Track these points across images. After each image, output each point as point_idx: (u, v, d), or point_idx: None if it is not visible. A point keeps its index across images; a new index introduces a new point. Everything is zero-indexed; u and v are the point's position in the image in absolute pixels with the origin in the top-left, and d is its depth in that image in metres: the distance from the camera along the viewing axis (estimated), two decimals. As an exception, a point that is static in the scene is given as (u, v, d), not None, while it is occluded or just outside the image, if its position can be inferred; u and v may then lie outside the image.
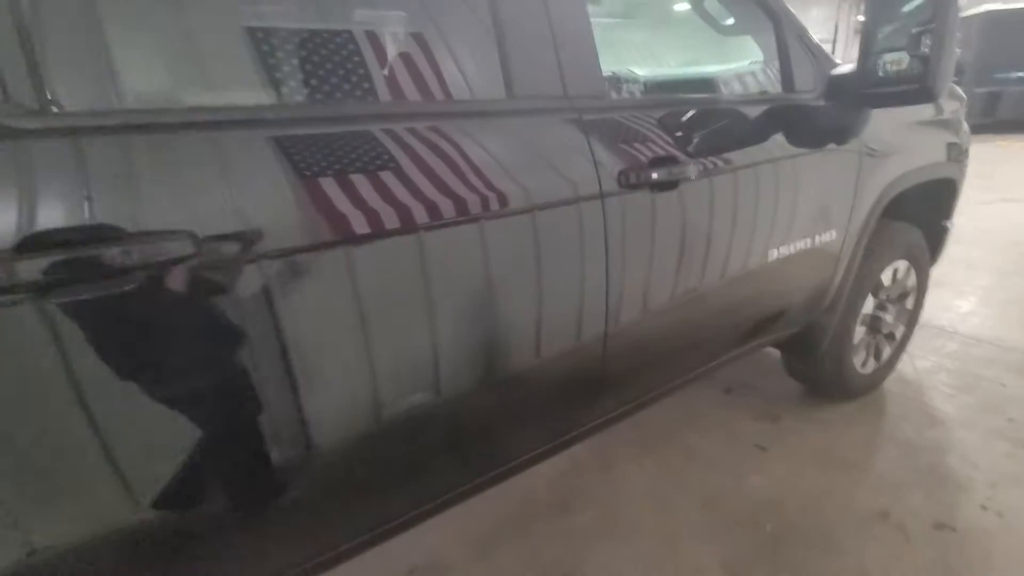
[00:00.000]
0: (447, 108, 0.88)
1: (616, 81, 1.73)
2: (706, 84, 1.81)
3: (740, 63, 1.60)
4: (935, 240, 2.24)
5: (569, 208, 0.95)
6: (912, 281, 2.14)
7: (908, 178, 1.84)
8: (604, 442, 2.03)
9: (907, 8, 1.16)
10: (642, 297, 1.14)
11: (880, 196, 1.70)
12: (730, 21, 1.60)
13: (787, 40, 1.39)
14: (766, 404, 2.22)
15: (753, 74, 1.53)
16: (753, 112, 1.34)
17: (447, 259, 0.84)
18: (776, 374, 2.27)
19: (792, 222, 1.42)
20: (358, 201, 0.74)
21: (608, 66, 1.29)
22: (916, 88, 1.19)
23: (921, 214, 2.20)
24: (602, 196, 0.99)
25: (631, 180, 1.02)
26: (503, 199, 0.87)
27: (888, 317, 2.08)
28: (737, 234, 1.28)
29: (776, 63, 1.42)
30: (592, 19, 1.04)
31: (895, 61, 1.24)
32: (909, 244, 2.01)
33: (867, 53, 1.27)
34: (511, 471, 1.22)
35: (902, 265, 2.04)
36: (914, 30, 1.16)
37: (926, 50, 1.14)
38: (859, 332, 2.00)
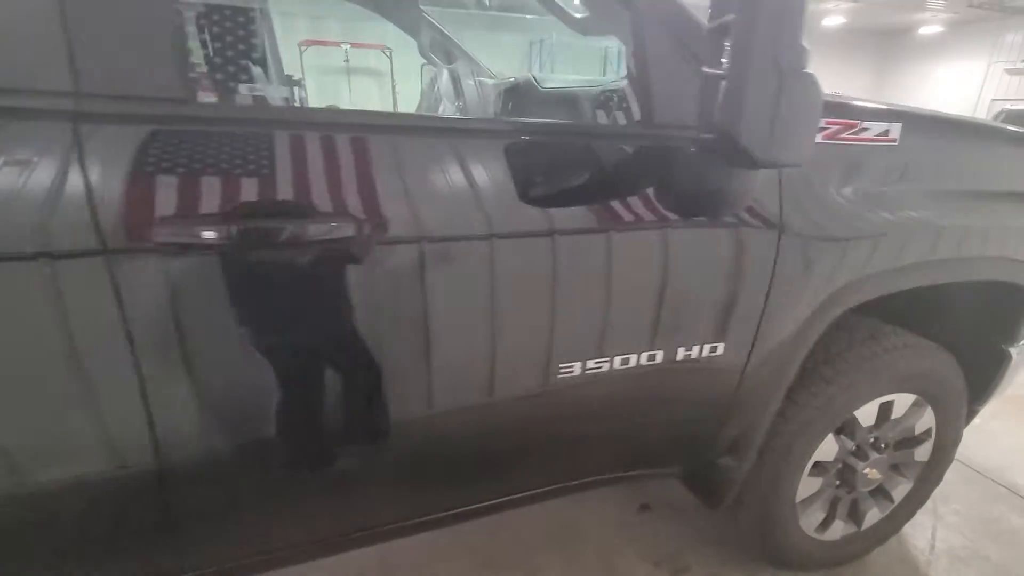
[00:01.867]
0: None
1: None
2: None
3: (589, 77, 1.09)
4: (986, 370, 1.49)
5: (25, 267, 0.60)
6: (927, 423, 1.43)
7: (912, 276, 1.19)
8: (442, 542, 1.61)
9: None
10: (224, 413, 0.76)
11: (832, 299, 1.09)
12: (585, 13, 1.09)
13: (648, 43, 0.88)
14: (681, 542, 1.64)
15: (595, 95, 1.03)
16: (543, 147, 0.86)
17: None
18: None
19: (596, 326, 0.90)
20: None
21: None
22: (717, 139, 0.64)
23: (959, 329, 1.48)
24: (106, 253, 0.62)
25: (173, 233, 0.64)
26: None
27: (871, 470, 1.40)
28: (440, 333, 0.81)
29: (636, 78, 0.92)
30: None
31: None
32: (919, 372, 1.33)
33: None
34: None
35: (902, 400, 1.36)
36: (711, 26, 0.62)
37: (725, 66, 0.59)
38: (811, 483, 1.36)
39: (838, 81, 19.22)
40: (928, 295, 1.50)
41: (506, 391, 0.90)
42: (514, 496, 1.15)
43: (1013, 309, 1.41)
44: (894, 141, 1.09)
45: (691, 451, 1.20)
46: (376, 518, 1.06)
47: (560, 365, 0.91)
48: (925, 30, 16.21)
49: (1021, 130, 1.35)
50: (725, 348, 1.04)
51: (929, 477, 1.53)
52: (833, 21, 15.64)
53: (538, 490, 1.16)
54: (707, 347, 1.02)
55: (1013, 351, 1.45)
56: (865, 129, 1.06)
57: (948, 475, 1.96)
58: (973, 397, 1.54)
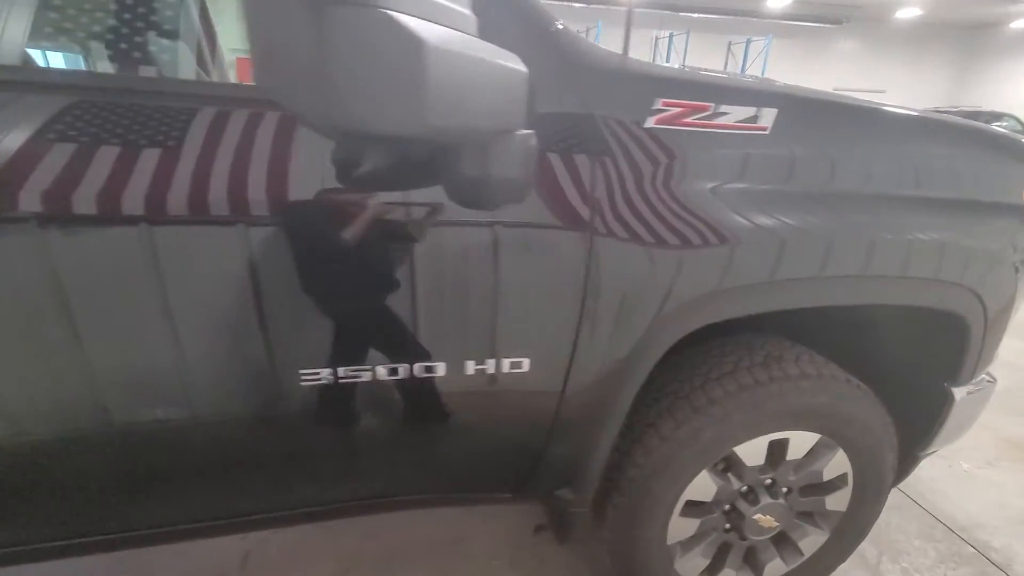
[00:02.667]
0: None
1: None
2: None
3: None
4: (927, 411, 1.26)
5: None
6: (840, 468, 1.21)
7: (792, 295, 1.00)
8: (313, 542, 1.54)
9: None
10: None
11: (674, 315, 0.92)
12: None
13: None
14: (563, 571, 1.49)
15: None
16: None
17: None
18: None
19: (332, 330, 0.79)
20: None
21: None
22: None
23: (893, 362, 1.27)
24: None
25: None
26: None
27: (764, 516, 1.21)
28: None
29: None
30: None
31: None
32: (819, 408, 1.12)
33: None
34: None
35: (801, 439, 1.15)
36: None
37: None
38: (686, 524, 1.19)
39: (910, 77, 17.71)
40: (849, 319, 1.29)
41: (237, 394, 0.80)
42: (321, 507, 1.05)
43: (954, 342, 1.17)
44: (764, 129, 0.91)
45: (515, 478, 1.06)
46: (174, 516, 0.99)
47: (301, 371, 0.80)
48: (1017, 24, 14.62)
49: (963, 122, 1.11)
50: (532, 365, 0.89)
51: (848, 530, 1.31)
52: (908, 13, 14.38)
53: (349, 502, 1.06)
54: (507, 363, 0.88)
55: (956, 392, 1.21)
56: (722, 113, 0.88)
57: (909, 527, 1.72)
58: (913, 441, 1.31)
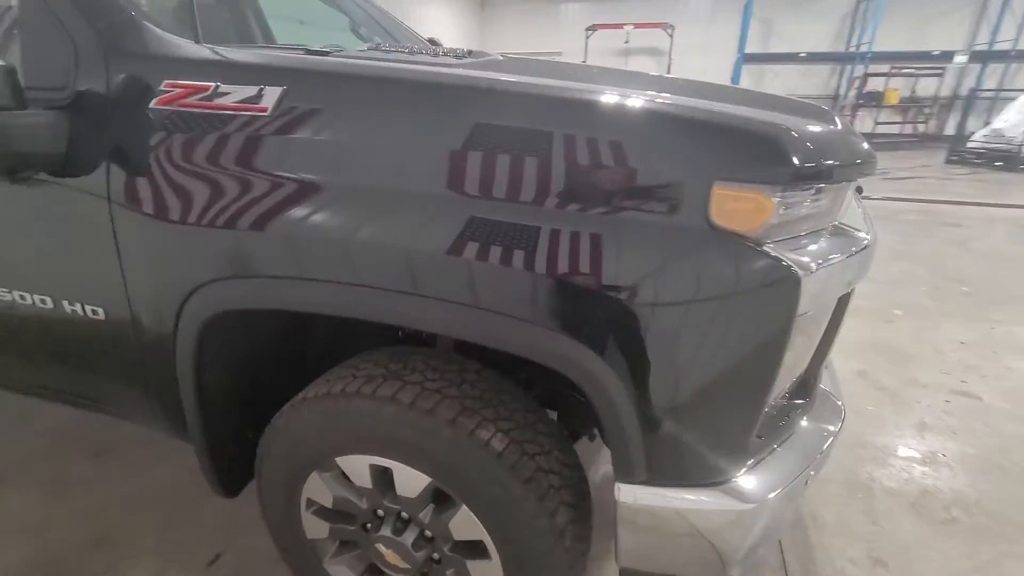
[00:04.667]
0: None
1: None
2: None
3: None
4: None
5: None
6: (472, 531, 0.98)
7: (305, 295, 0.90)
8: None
9: None
10: None
11: (201, 294, 0.94)
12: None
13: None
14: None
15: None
16: None
17: None
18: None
19: None
20: None
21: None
22: None
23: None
24: None
25: None
26: None
27: (387, 551, 1.06)
28: None
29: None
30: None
31: None
32: (405, 444, 0.93)
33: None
34: None
35: (406, 475, 0.97)
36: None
37: None
38: (316, 524, 1.14)
39: None
40: None
41: None
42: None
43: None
44: (264, 110, 0.83)
45: (155, 412, 1.18)
46: None
47: None
48: None
49: (574, 93, 0.75)
50: (107, 315, 1.04)
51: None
52: None
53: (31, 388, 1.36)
54: (88, 308, 1.05)
55: (622, 491, 0.83)
56: (224, 93, 0.85)
57: None
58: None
